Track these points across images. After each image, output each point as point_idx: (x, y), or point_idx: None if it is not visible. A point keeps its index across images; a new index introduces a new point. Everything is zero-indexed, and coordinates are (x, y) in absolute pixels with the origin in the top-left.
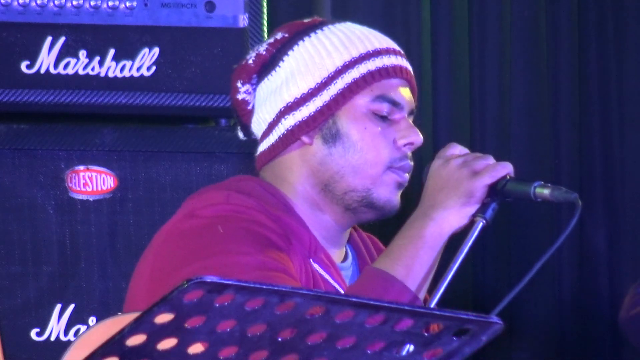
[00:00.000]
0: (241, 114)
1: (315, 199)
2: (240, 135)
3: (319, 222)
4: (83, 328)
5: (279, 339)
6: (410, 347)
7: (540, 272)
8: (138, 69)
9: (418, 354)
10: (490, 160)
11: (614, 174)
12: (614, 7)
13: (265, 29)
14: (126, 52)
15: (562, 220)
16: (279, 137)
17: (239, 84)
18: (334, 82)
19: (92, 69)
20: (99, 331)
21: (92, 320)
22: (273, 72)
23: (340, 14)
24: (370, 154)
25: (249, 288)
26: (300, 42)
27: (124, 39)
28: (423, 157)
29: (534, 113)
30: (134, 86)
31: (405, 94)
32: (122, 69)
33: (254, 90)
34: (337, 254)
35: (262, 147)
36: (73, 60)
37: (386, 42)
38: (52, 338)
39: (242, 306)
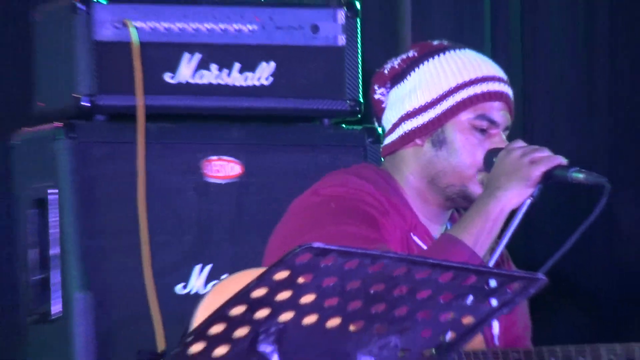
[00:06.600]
0: (377, 110)
1: (421, 187)
2: (376, 124)
3: (423, 205)
4: None
5: (371, 292)
6: (473, 298)
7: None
8: (258, 79)
9: (481, 303)
10: (546, 151)
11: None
12: (623, 11)
13: (359, 46)
14: (248, 66)
15: (577, 202)
16: (399, 137)
17: (375, 87)
18: (447, 99)
19: (222, 80)
20: (232, 281)
21: (224, 277)
22: (402, 83)
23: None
24: (468, 159)
25: (347, 252)
26: (426, 62)
27: (247, 55)
28: None
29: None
30: (255, 93)
31: (502, 114)
32: (245, 79)
33: (387, 93)
34: (439, 230)
35: (387, 141)
36: (207, 73)
37: (494, 70)
38: (192, 292)
39: (342, 266)
